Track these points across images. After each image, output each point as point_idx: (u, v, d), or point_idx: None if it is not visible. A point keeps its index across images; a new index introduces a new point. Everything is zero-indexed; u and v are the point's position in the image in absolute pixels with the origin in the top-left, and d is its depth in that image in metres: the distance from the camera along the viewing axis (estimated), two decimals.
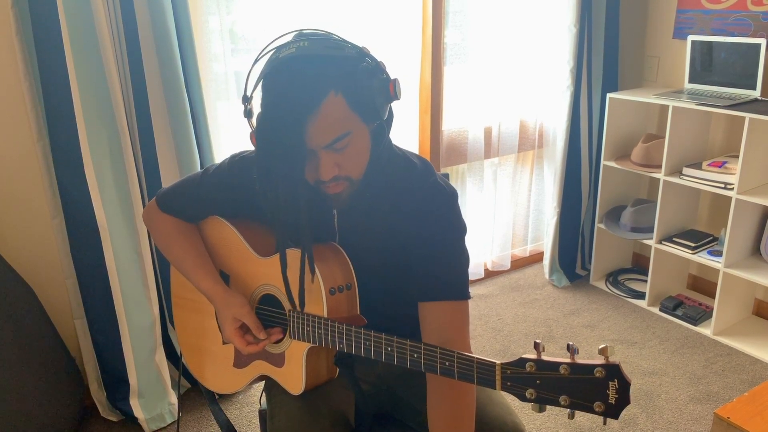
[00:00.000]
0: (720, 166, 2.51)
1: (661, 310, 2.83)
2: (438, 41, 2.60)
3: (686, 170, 2.59)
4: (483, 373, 0.94)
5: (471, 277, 3.11)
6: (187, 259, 1.26)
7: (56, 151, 1.85)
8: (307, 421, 1.16)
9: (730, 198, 2.45)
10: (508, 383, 0.92)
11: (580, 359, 0.88)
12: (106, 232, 1.91)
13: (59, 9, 1.69)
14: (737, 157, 2.42)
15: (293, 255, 1.14)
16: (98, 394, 2.11)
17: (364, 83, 1.02)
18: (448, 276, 1.17)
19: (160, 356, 2.10)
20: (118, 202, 1.93)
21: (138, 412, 2.07)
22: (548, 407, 0.90)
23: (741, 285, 2.63)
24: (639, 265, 3.23)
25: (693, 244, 2.67)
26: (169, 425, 2.11)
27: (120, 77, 1.85)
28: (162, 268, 2.11)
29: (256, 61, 1.09)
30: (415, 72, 2.65)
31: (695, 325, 2.70)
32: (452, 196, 1.19)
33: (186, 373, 2.26)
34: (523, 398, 0.91)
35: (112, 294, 1.97)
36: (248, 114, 1.09)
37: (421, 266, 1.16)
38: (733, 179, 2.43)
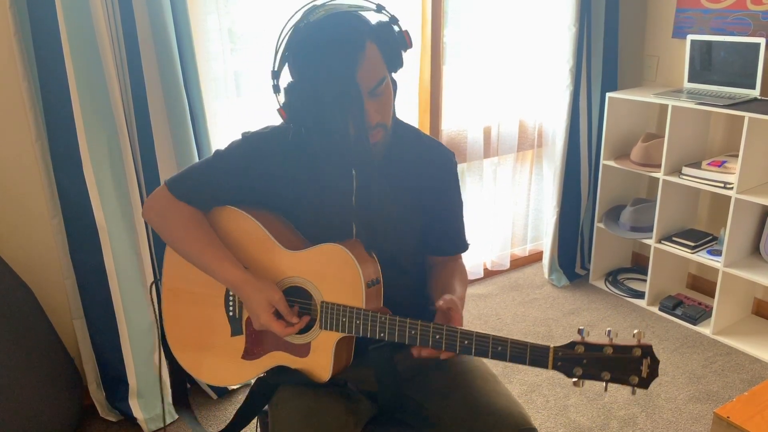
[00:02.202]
0: (719, 166, 2.51)
1: (660, 309, 2.83)
2: (437, 40, 2.60)
3: (686, 170, 2.59)
4: (536, 355, 1.07)
5: (470, 276, 3.12)
6: (207, 252, 1.24)
7: (55, 151, 1.85)
8: (312, 419, 1.17)
9: (729, 197, 2.45)
10: (559, 363, 1.06)
11: (618, 341, 1.04)
12: (105, 232, 1.90)
13: (57, 9, 1.68)
14: (737, 156, 2.42)
15: (333, 248, 1.19)
16: (97, 394, 2.11)
17: (389, 34, 1.15)
18: (459, 231, 1.39)
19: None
20: (117, 202, 1.93)
21: (137, 412, 2.06)
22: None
23: (740, 284, 2.63)
24: (638, 264, 3.23)
25: (692, 244, 2.67)
26: (168, 425, 2.11)
27: (119, 77, 1.85)
28: (161, 266, 2.11)
29: (281, 36, 1.15)
30: (415, 71, 2.65)
31: (695, 324, 2.70)
32: (454, 155, 1.35)
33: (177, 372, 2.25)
34: (570, 375, 1.06)
35: (111, 294, 1.96)
36: (276, 89, 1.16)
37: (439, 222, 1.34)
38: (732, 178, 2.43)
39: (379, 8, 1.17)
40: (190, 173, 1.31)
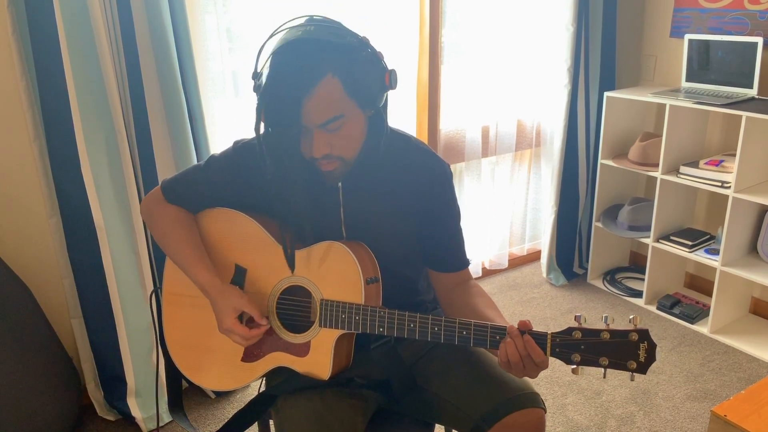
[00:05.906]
0: (717, 165, 2.52)
1: (658, 308, 2.83)
2: (435, 40, 2.60)
3: (683, 169, 2.59)
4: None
5: None
6: (185, 251, 1.27)
7: (53, 150, 1.85)
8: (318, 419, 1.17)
9: (727, 196, 2.45)
10: (557, 349, 1.06)
11: (614, 326, 1.04)
12: (103, 231, 1.90)
13: (56, 9, 1.68)
14: (734, 155, 2.43)
15: (332, 246, 1.20)
16: (95, 394, 2.11)
17: (362, 71, 1.09)
18: (457, 244, 1.34)
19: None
20: (115, 202, 1.93)
21: (135, 411, 2.07)
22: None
23: (738, 283, 2.64)
24: (636, 263, 3.24)
25: (690, 243, 2.67)
26: (166, 424, 2.11)
27: (117, 76, 1.85)
28: (159, 267, 2.11)
29: (269, 38, 1.14)
30: (413, 71, 2.65)
31: (692, 323, 2.71)
32: (448, 166, 1.32)
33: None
34: (569, 362, 1.05)
35: (109, 293, 1.97)
36: (257, 89, 1.14)
37: (435, 233, 1.31)
38: (730, 178, 2.44)
39: (363, 45, 1.10)
40: (182, 178, 1.34)
